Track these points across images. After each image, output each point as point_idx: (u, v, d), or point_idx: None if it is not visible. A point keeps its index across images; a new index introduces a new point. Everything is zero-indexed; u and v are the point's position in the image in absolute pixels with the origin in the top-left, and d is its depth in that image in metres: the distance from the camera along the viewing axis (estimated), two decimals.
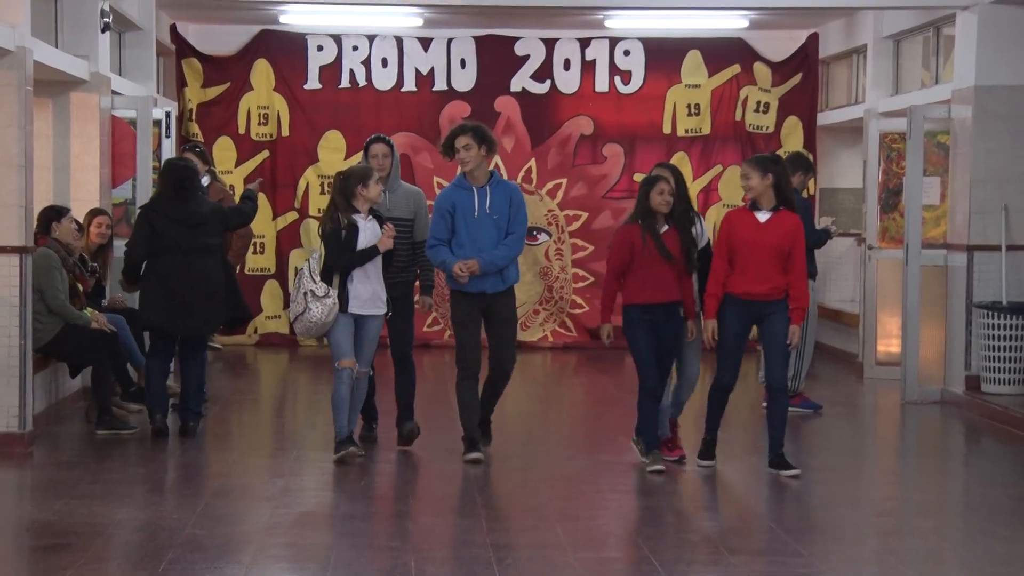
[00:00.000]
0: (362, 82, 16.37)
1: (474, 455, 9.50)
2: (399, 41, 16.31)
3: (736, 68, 16.47)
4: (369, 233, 9.35)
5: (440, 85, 16.40)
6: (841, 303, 15.93)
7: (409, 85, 16.39)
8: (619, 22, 15.69)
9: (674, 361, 9.40)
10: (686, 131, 16.52)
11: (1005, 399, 11.89)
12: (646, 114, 16.52)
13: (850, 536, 7.89)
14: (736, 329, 9.17)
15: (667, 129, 16.52)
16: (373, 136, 10.03)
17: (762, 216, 9.19)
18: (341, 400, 9.37)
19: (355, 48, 16.33)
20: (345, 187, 9.31)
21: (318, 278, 9.31)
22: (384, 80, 16.38)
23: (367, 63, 16.36)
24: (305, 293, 9.30)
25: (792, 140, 16.27)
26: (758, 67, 16.49)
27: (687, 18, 15.39)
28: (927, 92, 13.79)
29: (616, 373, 14.72)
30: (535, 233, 16.43)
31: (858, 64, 15.87)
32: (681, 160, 16.33)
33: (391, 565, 7.04)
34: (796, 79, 16.50)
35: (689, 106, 16.53)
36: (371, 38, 16.30)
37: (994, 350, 12.15)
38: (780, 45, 16.52)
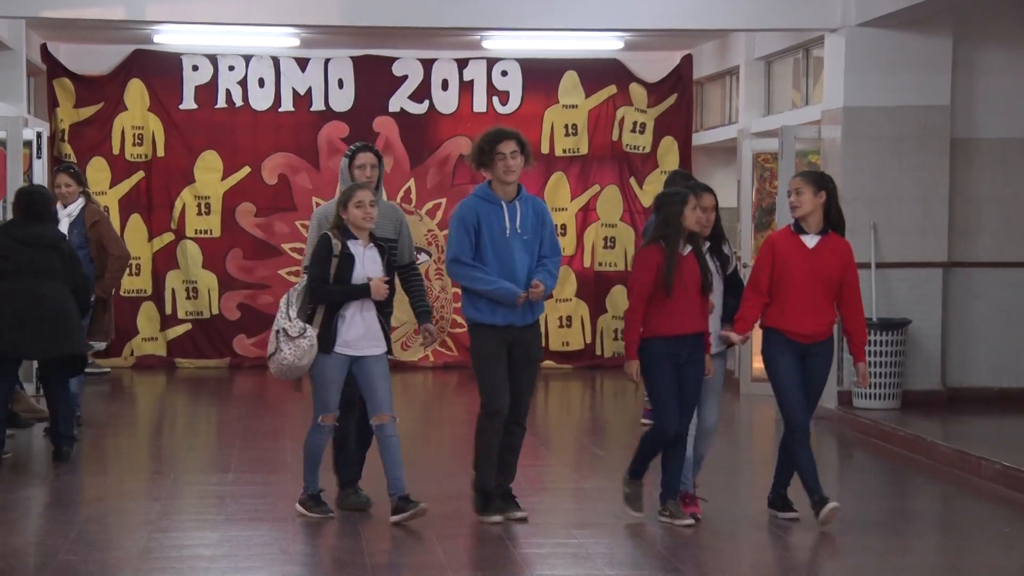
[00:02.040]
0: (239, 102, 16.28)
1: (495, 518, 8.25)
2: (276, 61, 16.26)
3: (612, 89, 16.62)
4: (369, 263, 8.13)
5: (318, 105, 16.38)
6: None
7: (286, 105, 16.34)
8: (496, 43, 15.76)
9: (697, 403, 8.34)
10: (564, 151, 16.63)
11: (876, 414, 12.11)
12: (524, 134, 16.49)
13: (727, 551, 7.98)
14: (791, 366, 8.23)
15: (545, 149, 16.60)
16: (359, 144, 8.79)
17: (810, 241, 8.20)
18: (317, 451, 8.27)
19: (231, 68, 16.25)
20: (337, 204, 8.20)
21: (294, 314, 8.01)
22: (261, 100, 16.31)
23: (243, 83, 16.28)
24: (277, 332, 8.03)
25: (668, 160, 16.46)
26: (634, 88, 16.65)
27: (563, 39, 15.50)
28: (798, 113, 14.04)
29: None
30: (416, 253, 16.36)
31: (731, 85, 16.09)
32: (559, 180, 16.52)
33: None
34: (671, 100, 16.70)
35: (567, 126, 16.64)
36: (247, 58, 16.24)
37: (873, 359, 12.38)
38: (655, 66, 16.70)
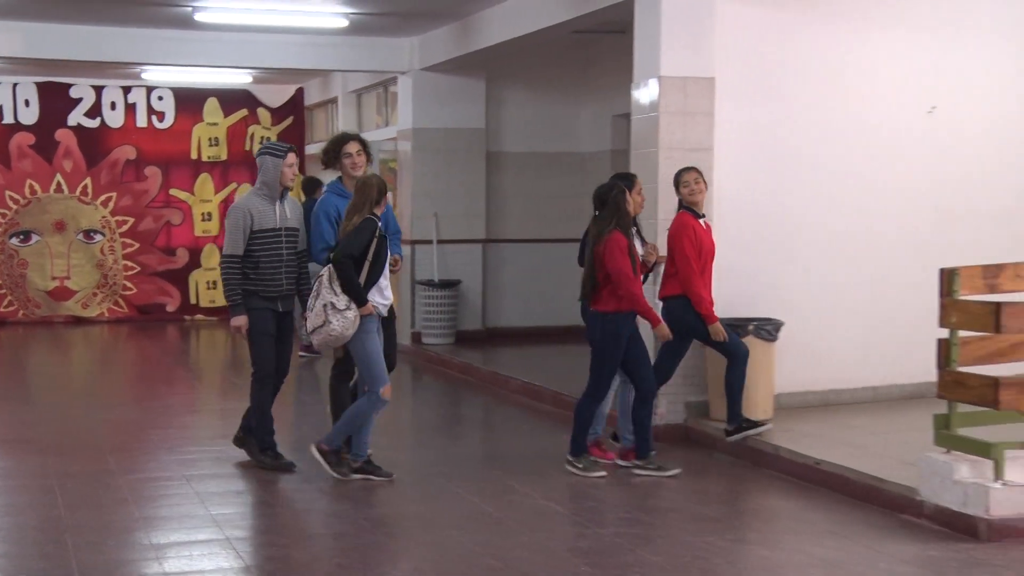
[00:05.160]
0: None
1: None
2: None
3: (244, 112, 16.35)
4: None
5: (8, 119, 15.41)
6: None
7: None
8: (153, 75, 15.18)
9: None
10: (208, 157, 16.25)
11: (439, 348, 12.40)
12: (177, 144, 16.13)
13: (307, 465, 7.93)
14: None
15: (194, 156, 16.19)
16: (287, 146, 7.08)
17: (701, 222, 7.37)
18: (369, 423, 6.82)
19: None
20: (379, 194, 6.72)
21: (339, 289, 6.64)
22: None
23: None
24: (325, 305, 6.60)
25: None
26: (261, 111, 16.43)
27: (205, 73, 15.07)
28: (381, 131, 14.15)
29: (157, 339, 14.31)
30: (92, 234, 15.78)
31: (332, 110, 16.09)
32: (205, 179, 16.16)
33: None
34: (289, 120, 16.57)
35: (211, 139, 16.27)
36: None
37: (430, 314, 12.66)
38: (276, 95, 16.52)
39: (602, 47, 12.59)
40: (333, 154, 7.22)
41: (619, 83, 11.29)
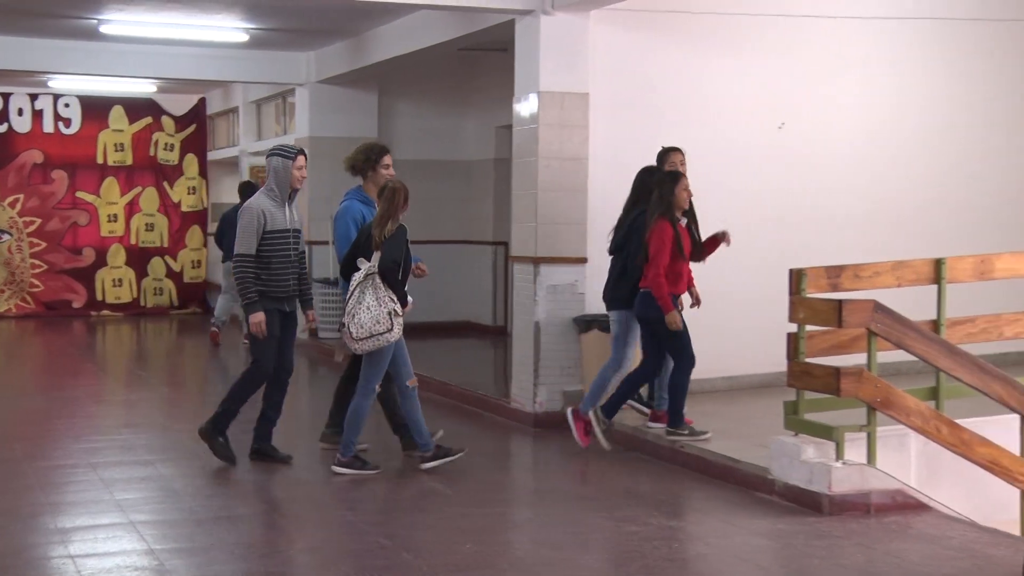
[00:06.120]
0: None
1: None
2: None
3: (149, 119, 15.97)
4: None
5: None
6: None
7: None
8: (59, 83, 14.73)
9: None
10: (114, 162, 15.83)
11: (334, 342, 12.14)
12: (84, 149, 15.68)
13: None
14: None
15: (100, 160, 15.77)
16: (297, 148, 6.64)
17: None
18: (419, 412, 6.60)
19: None
20: (405, 200, 6.41)
21: (393, 295, 6.31)
22: None
23: None
24: (390, 312, 6.24)
25: (191, 170, 16.05)
26: (165, 119, 16.06)
27: (111, 82, 14.67)
28: (281, 139, 13.93)
29: (64, 334, 13.83)
30: (0, 234, 15.23)
31: (233, 119, 15.79)
32: (112, 183, 15.78)
33: None
34: (192, 128, 16.21)
35: (116, 144, 15.85)
36: None
37: (327, 309, 12.49)
38: (180, 104, 16.17)
39: (486, 63, 12.59)
40: (371, 163, 6.89)
41: (501, 97, 11.29)
